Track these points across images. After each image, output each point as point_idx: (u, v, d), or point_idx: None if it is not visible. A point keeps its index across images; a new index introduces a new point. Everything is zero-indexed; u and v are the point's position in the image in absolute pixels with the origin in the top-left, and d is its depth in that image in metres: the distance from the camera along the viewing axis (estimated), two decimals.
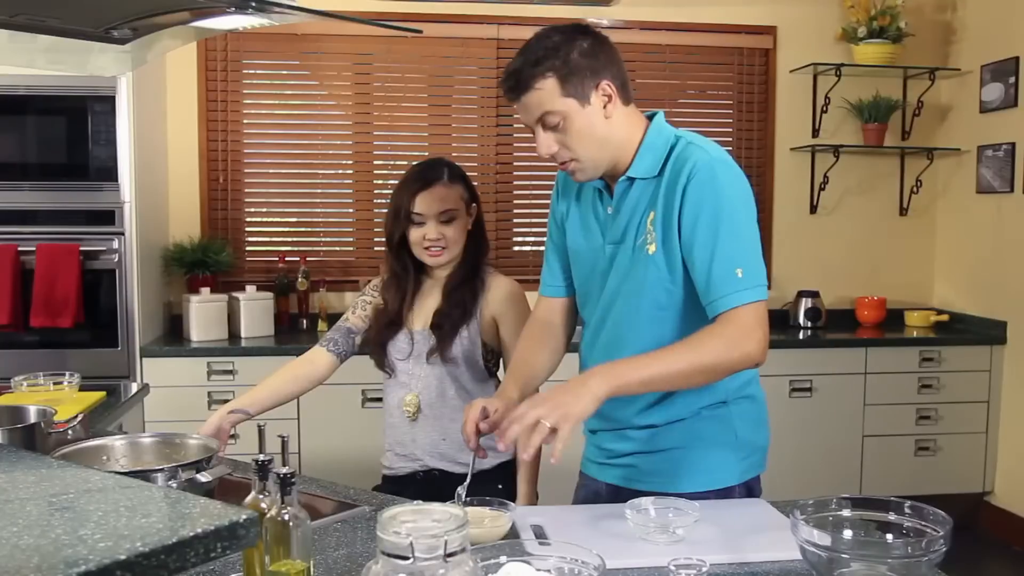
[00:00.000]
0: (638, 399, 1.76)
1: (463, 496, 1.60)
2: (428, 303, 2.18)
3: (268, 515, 1.23)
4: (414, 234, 2.12)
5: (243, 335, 3.94)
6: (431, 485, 2.11)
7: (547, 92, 1.63)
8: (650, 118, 1.77)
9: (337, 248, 4.38)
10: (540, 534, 1.54)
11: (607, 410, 1.76)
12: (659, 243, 1.68)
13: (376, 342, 2.19)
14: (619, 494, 1.84)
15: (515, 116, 4.38)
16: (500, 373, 2.20)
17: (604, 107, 1.66)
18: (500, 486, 2.10)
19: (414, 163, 2.25)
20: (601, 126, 1.67)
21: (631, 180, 1.72)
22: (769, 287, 4.43)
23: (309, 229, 4.37)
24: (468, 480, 1.64)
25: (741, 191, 1.67)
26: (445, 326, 2.12)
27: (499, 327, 2.15)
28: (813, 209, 4.60)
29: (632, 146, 1.72)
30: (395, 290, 2.19)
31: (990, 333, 4.23)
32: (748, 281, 1.61)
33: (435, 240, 2.11)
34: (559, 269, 1.93)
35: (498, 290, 2.17)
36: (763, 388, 1.86)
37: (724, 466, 1.77)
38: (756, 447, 1.82)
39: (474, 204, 2.18)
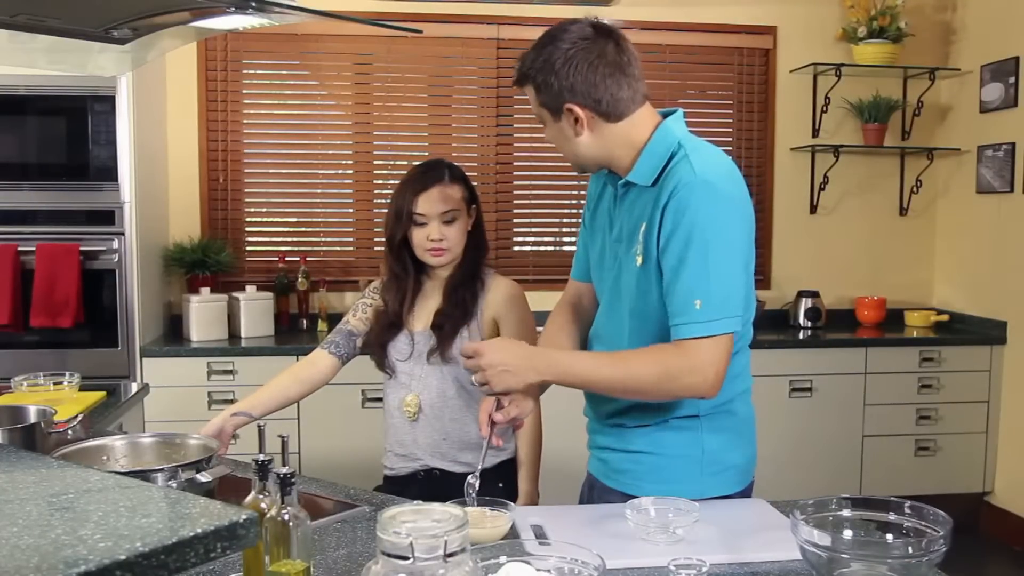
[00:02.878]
0: (612, 398, 1.75)
1: (476, 485, 1.60)
2: (428, 304, 2.18)
3: (268, 515, 1.23)
4: (417, 235, 2.12)
5: (243, 335, 3.94)
6: (432, 485, 2.11)
7: (531, 96, 1.72)
8: (667, 115, 1.73)
9: (337, 248, 4.38)
10: (540, 534, 1.54)
11: (591, 401, 1.84)
12: (644, 256, 1.67)
13: (376, 343, 2.19)
14: (594, 486, 1.87)
15: (515, 117, 4.38)
16: None
17: (573, 126, 1.67)
18: (501, 485, 2.10)
19: (414, 163, 2.26)
20: (571, 142, 1.70)
21: (630, 185, 1.71)
22: (769, 287, 4.51)
23: (309, 229, 4.37)
24: (480, 467, 1.64)
25: (721, 217, 1.59)
26: (446, 326, 2.12)
27: (500, 328, 2.15)
28: (813, 209, 4.60)
29: (628, 152, 1.69)
30: (395, 291, 2.19)
31: (990, 333, 4.23)
32: (706, 314, 1.56)
33: (438, 240, 2.11)
34: (587, 254, 1.92)
35: (499, 291, 2.17)
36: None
37: (687, 478, 1.73)
38: (729, 465, 1.76)
39: (474, 205, 2.18)
